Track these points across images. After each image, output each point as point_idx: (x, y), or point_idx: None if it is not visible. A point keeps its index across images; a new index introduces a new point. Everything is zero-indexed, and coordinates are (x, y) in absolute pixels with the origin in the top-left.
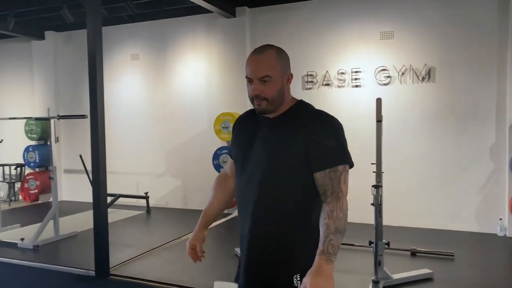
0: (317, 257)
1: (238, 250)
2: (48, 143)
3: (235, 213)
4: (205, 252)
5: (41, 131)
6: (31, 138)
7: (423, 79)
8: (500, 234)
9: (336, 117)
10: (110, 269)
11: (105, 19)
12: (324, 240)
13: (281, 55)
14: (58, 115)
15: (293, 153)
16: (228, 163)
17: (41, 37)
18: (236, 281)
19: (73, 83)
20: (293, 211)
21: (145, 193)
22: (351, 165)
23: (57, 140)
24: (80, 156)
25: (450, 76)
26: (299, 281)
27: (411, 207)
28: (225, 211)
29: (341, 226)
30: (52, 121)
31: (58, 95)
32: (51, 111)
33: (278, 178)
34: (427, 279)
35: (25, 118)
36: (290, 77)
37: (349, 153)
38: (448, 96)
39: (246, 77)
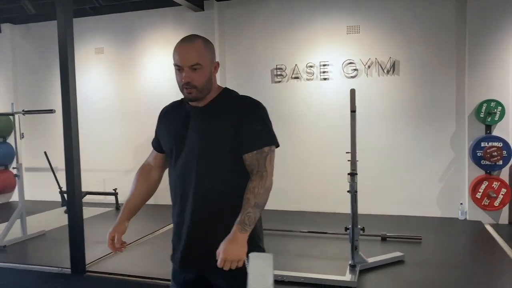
0: (234, 226)
1: None
2: (7, 140)
3: None
4: (125, 242)
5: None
6: None
7: (388, 72)
8: (461, 218)
9: (259, 101)
10: (86, 266)
11: None
12: (242, 212)
13: (208, 44)
14: (23, 110)
15: (223, 139)
16: (152, 155)
17: None
18: (175, 265)
19: (33, 78)
20: (229, 193)
21: (113, 190)
22: (277, 146)
23: (22, 136)
24: (45, 153)
25: (413, 69)
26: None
27: (378, 195)
28: None
29: (261, 202)
30: (16, 116)
31: (17, 90)
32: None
33: (212, 164)
34: (399, 261)
35: None
36: (217, 65)
37: (274, 134)
38: (412, 88)
39: (176, 65)
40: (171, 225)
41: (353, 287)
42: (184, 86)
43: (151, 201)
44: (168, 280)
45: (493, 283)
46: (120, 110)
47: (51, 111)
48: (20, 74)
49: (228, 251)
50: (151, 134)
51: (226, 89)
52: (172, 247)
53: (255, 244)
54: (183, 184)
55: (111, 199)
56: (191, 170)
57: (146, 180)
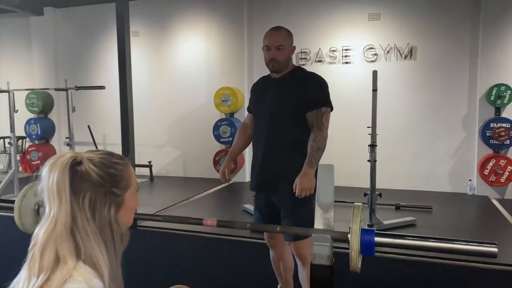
0: (304, 166)
1: (246, 206)
2: (48, 116)
3: (234, 180)
4: (230, 177)
5: (42, 105)
6: (32, 112)
7: (405, 57)
8: (470, 193)
9: (322, 77)
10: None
11: None
12: (309, 155)
13: (289, 32)
14: (76, 86)
15: (292, 100)
16: (248, 116)
17: (40, 13)
18: (251, 189)
19: (72, 58)
20: (292, 140)
21: (148, 162)
22: (332, 108)
23: (74, 109)
24: (88, 126)
25: (429, 54)
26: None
27: (393, 170)
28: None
29: (321, 146)
30: (69, 92)
31: (57, 70)
32: (58, 84)
33: (278, 120)
34: (411, 225)
35: (42, 89)
36: (293, 48)
37: (330, 100)
38: (427, 72)
39: (266, 45)
40: (202, 194)
41: None
42: (270, 61)
43: (180, 174)
44: (204, 233)
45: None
46: (154, 89)
47: (101, 87)
48: (60, 54)
49: (303, 182)
50: (183, 112)
51: (299, 67)
52: (251, 178)
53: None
54: (259, 132)
55: (145, 171)
56: (264, 121)
57: (244, 134)
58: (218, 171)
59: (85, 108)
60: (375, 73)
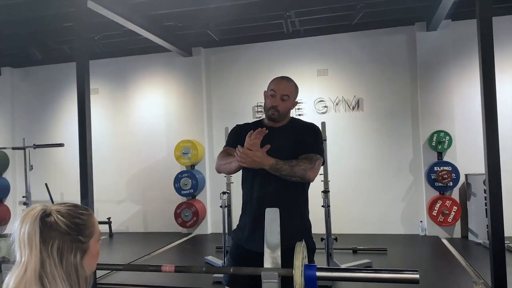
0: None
1: (208, 258)
2: (4, 175)
3: (195, 232)
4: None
5: None
6: None
7: (353, 108)
8: (422, 234)
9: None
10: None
11: (67, 56)
12: (285, 161)
13: (297, 87)
14: (34, 144)
15: (293, 148)
16: (228, 150)
17: None
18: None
19: (30, 117)
20: (296, 196)
21: (107, 219)
22: (324, 161)
23: (31, 168)
24: (46, 184)
25: (375, 105)
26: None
27: (348, 216)
28: (185, 231)
29: (296, 170)
30: (27, 150)
31: (14, 129)
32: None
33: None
34: (367, 267)
35: (2, 148)
36: (295, 103)
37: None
38: (374, 121)
39: (272, 90)
40: (163, 249)
41: (328, 286)
42: (271, 108)
43: (140, 229)
44: (165, 287)
45: (447, 283)
46: (114, 145)
47: (60, 145)
48: (18, 113)
49: (255, 152)
50: (142, 166)
51: (295, 117)
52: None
53: (307, 234)
54: (258, 184)
55: (104, 227)
56: (267, 175)
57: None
58: (179, 224)
59: (43, 166)
60: (323, 124)
